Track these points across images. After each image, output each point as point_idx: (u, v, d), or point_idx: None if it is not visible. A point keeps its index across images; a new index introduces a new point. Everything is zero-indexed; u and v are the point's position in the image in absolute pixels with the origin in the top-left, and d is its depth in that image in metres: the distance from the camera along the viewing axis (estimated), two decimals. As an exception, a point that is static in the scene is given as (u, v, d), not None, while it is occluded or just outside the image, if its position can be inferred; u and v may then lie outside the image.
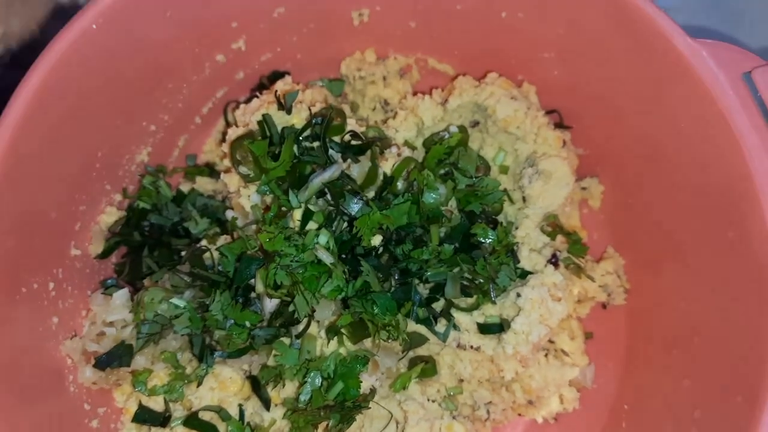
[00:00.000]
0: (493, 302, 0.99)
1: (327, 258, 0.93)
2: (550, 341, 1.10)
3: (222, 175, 1.04)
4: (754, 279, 0.85)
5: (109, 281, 1.06)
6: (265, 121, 1.00)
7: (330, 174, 0.97)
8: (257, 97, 1.06)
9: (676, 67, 0.88)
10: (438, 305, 1.00)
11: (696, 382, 0.95)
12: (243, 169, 1.01)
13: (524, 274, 1.03)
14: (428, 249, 0.97)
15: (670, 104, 0.94)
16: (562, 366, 1.07)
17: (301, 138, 0.99)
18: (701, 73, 0.87)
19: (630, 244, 1.14)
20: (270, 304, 0.96)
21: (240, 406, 0.99)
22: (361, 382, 0.96)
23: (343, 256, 0.97)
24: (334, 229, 0.96)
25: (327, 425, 0.96)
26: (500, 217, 1.06)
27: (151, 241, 1.06)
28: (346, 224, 0.97)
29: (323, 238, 0.94)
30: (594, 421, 1.11)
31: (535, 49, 1.06)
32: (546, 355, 1.08)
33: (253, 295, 0.97)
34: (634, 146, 1.05)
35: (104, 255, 1.04)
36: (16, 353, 0.86)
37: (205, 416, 0.98)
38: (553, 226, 1.09)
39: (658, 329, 1.07)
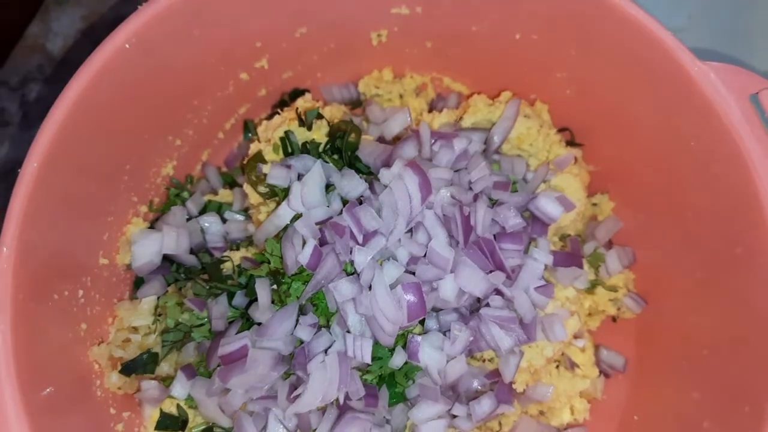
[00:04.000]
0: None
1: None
2: (561, 353, 1.12)
3: (244, 186, 1.08)
4: (761, 292, 0.87)
5: (139, 280, 1.10)
6: (288, 137, 1.04)
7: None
8: (278, 113, 1.10)
9: (685, 88, 0.91)
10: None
11: (705, 394, 0.97)
12: (261, 189, 1.05)
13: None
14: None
15: (678, 124, 0.97)
16: (573, 377, 1.10)
17: (321, 152, 1.04)
18: (709, 95, 0.90)
19: (640, 259, 1.16)
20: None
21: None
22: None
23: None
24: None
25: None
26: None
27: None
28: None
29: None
30: (604, 431, 1.13)
31: (547, 70, 1.10)
32: (557, 367, 1.11)
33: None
34: (643, 164, 1.08)
35: (131, 265, 1.08)
36: (46, 358, 0.89)
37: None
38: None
39: (667, 342, 1.09)
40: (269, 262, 1.00)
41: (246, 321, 0.99)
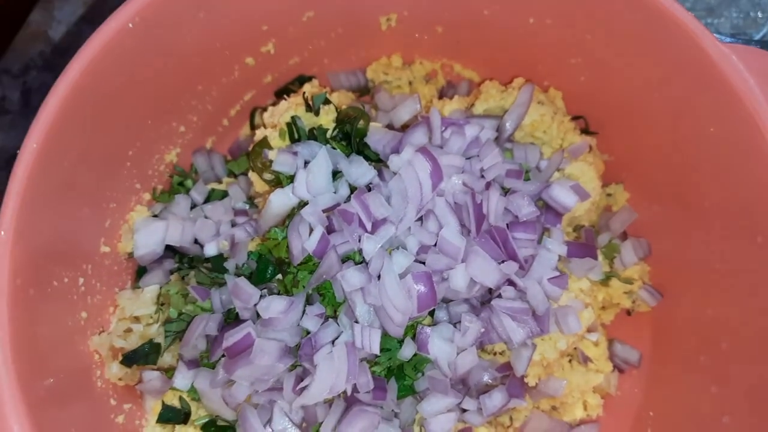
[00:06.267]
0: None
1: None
2: (574, 348, 1.09)
3: (249, 174, 1.05)
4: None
5: (141, 269, 1.07)
6: (294, 123, 1.02)
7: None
8: (285, 99, 1.08)
9: (705, 71, 0.88)
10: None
11: (724, 389, 0.94)
12: (266, 176, 1.02)
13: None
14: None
15: (698, 109, 0.94)
16: (586, 372, 1.07)
17: (328, 138, 1.01)
18: (731, 78, 0.87)
19: (655, 250, 1.13)
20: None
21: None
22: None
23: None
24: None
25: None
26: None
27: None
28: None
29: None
30: (618, 427, 1.10)
31: (562, 55, 1.07)
32: (570, 361, 1.08)
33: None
34: (660, 152, 1.05)
35: (133, 254, 1.05)
36: (45, 346, 0.87)
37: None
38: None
39: (684, 336, 1.06)
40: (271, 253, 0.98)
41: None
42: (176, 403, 1.00)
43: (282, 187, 1.00)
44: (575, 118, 1.12)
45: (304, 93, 1.04)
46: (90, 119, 0.90)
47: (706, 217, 0.99)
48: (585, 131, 1.13)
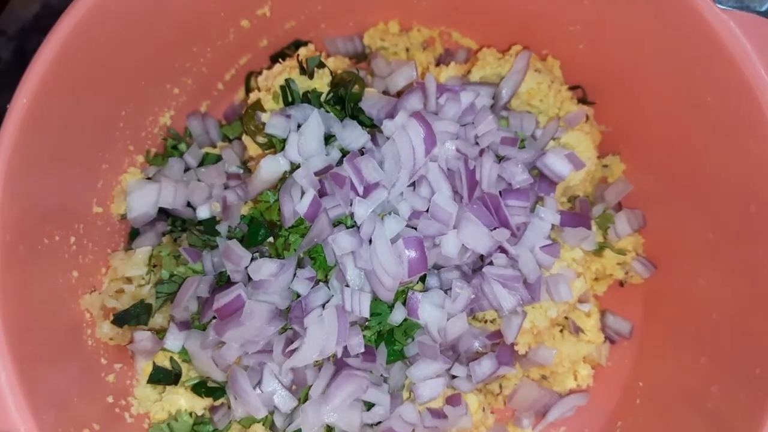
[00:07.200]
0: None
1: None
2: (566, 317, 1.09)
3: (243, 137, 1.05)
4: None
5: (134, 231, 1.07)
6: (288, 86, 1.01)
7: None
8: (280, 63, 1.07)
9: (703, 38, 0.87)
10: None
11: (713, 359, 0.94)
12: (259, 139, 1.02)
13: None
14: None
15: (695, 78, 0.93)
16: (577, 342, 1.07)
17: (323, 102, 1.00)
18: (728, 45, 0.86)
19: (650, 222, 1.13)
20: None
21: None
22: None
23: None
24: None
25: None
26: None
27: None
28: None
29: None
30: (608, 397, 1.11)
31: (560, 22, 1.05)
32: (561, 331, 1.08)
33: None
34: (657, 122, 1.04)
35: (126, 215, 1.05)
36: (35, 302, 0.87)
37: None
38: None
39: (676, 307, 1.06)
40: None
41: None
42: (167, 364, 1.01)
43: (275, 150, 0.99)
44: (573, 88, 1.11)
45: (298, 55, 1.04)
46: (82, 77, 0.89)
47: (701, 186, 0.99)
48: (582, 101, 1.12)
